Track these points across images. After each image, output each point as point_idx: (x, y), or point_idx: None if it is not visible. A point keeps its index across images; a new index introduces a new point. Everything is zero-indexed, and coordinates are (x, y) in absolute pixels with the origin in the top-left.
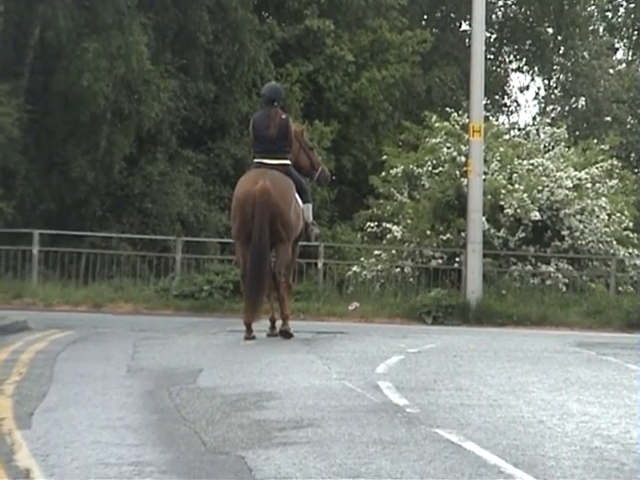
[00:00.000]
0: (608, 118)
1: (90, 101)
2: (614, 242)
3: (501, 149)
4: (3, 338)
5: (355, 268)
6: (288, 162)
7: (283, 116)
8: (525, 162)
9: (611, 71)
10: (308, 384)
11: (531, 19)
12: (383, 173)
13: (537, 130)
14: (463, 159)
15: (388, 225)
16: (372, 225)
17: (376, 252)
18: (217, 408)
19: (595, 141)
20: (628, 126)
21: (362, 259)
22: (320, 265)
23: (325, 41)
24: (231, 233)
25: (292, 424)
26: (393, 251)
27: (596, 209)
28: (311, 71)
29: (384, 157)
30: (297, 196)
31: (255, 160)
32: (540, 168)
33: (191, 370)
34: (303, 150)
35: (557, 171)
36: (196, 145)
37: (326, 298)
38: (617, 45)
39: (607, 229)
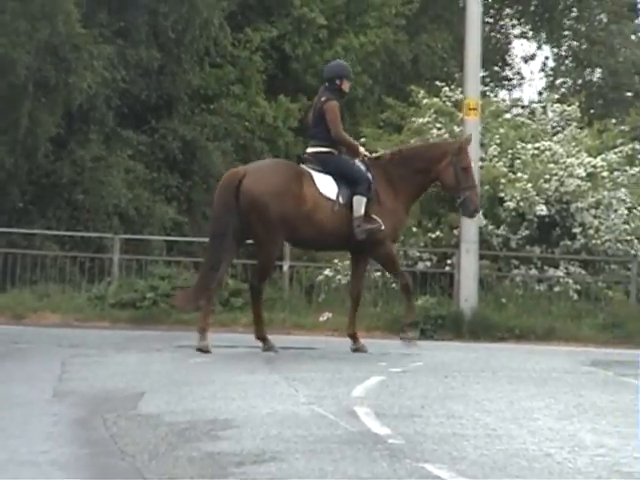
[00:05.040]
0: (629, 93)
1: (8, 71)
2: (635, 241)
3: (501, 130)
4: None
5: (327, 272)
6: (327, 149)
7: (323, 98)
8: (530, 146)
9: (632, 37)
10: (271, 410)
11: None
12: None
13: (544, 108)
14: None
15: None
16: None
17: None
18: (162, 439)
19: (613, 121)
20: None
21: (335, 261)
22: (286, 268)
23: (292, 1)
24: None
25: (252, 458)
26: None
27: (614, 202)
28: (275, 37)
29: (362, 139)
30: (330, 184)
31: None
32: (547, 153)
33: (131, 394)
34: (452, 166)
35: (568, 157)
36: (137, 124)
37: (293, 307)
38: None
39: (627, 226)
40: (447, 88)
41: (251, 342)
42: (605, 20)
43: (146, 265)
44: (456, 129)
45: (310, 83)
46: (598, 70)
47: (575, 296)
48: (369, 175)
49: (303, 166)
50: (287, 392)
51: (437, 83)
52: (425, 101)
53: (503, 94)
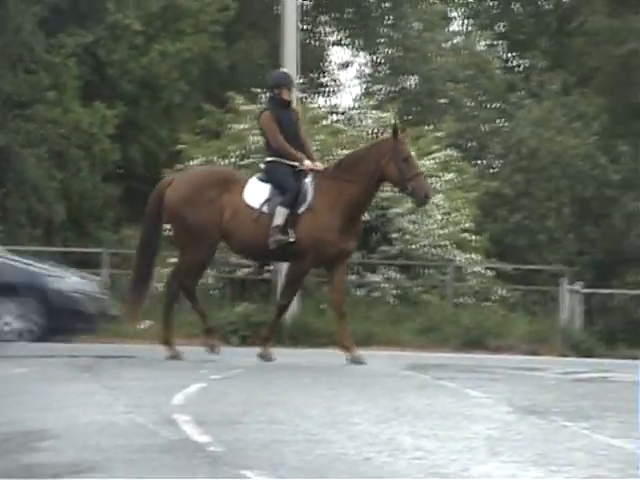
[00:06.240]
0: (443, 100)
1: None
2: (450, 246)
3: (319, 137)
4: None
5: None
6: (271, 158)
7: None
8: (347, 152)
9: (445, 45)
10: (90, 420)
11: None
12: (180, 165)
13: (361, 114)
14: None
15: None
16: (166, 228)
17: (172, 260)
18: None
19: (428, 127)
20: (466, 110)
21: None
22: (105, 276)
23: (106, 6)
24: None
25: (69, 468)
26: None
27: (430, 208)
28: (89, 43)
29: (180, 146)
30: (256, 197)
31: None
32: None
33: None
34: (393, 161)
35: None
36: None
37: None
38: (451, 14)
39: (443, 231)
40: (265, 95)
41: (70, 351)
42: (419, 28)
43: None
44: None
45: (127, 89)
46: (413, 77)
47: (393, 301)
48: (306, 187)
49: (254, 176)
50: (106, 401)
51: (255, 90)
52: (243, 107)
53: (321, 101)
